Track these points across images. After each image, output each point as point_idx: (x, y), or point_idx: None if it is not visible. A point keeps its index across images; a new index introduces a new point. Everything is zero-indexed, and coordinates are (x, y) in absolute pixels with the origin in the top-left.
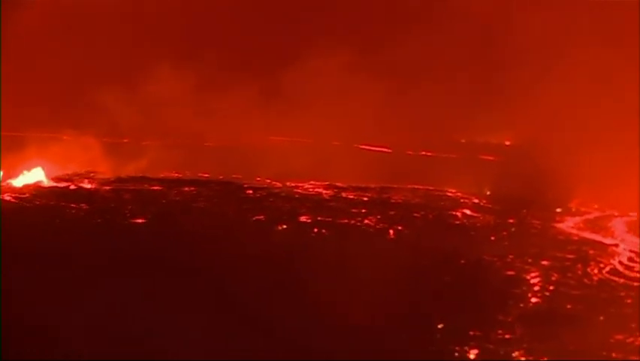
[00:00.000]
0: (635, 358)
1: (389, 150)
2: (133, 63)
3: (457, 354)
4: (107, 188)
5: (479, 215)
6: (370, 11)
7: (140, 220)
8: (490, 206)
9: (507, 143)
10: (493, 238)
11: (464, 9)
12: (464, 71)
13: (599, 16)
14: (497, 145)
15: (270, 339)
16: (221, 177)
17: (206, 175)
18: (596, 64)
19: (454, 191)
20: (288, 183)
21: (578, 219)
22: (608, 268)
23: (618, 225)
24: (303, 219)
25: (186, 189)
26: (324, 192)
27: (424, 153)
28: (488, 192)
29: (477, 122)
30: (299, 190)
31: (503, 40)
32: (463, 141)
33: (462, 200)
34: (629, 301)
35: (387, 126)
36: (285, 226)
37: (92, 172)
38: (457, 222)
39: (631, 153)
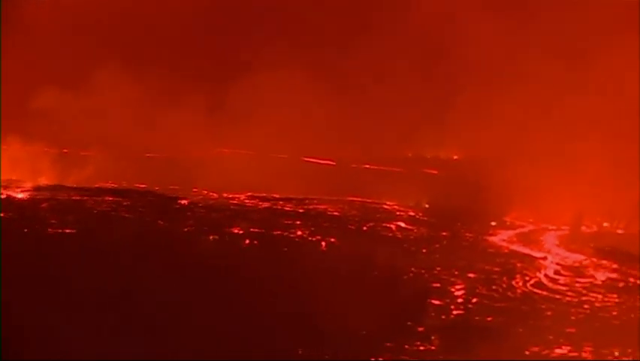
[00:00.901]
0: None
1: (333, 163)
2: (78, 73)
3: None
4: (39, 197)
5: (414, 228)
6: (317, 24)
7: (67, 230)
8: (425, 219)
9: (455, 157)
10: (424, 251)
11: (414, 22)
12: (414, 84)
13: (549, 29)
14: (444, 160)
15: (196, 346)
16: (157, 189)
17: (143, 186)
18: (545, 78)
19: (391, 204)
20: (224, 195)
21: (511, 232)
22: (532, 281)
23: (549, 238)
24: (234, 230)
25: (118, 199)
26: (261, 203)
27: (367, 166)
28: (426, 205)
29: (427, 137)
30: (234, 202)
31: (454, 54)
32: (410, 155)
33: (398, 213)
34: (549, 313)
35: (333, 139)
36: (215, 237)
37: (23, 181)
38: (390, 234)
39: (571, 169)
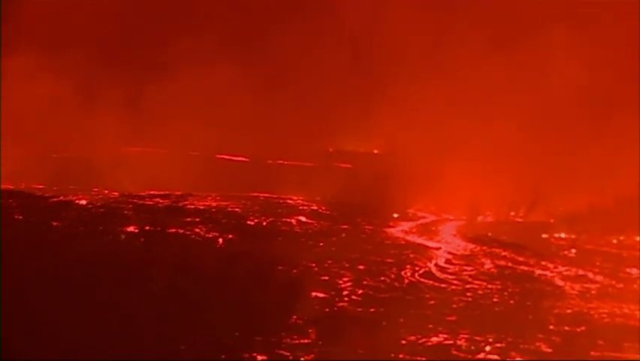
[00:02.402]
0: (422, 358)
1: (246, 160)
2: None
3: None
4: None
5: (314, 222)
6: (237, 20)
7: None
8: (328, 213)
9: (375, 151)
10: (321, 244)
11: (339, 16)
12: (339, 79)
13: (472, 23)
14: (363, 153)
15: (84, 343)
16: (55, 189)
17: (41, 186)
18: (471, 75)
19: (296, 199)
20: (126, 194)
21: (411, 224)
22: (422, 271)
23: (447, 228)
24: (130, 229)
25: (10, 201)
26: (162, 201)
27: (282, 162)
28: (331, 200)
29: (348, 131)
30: (135, 200)
31: (379, 49)
32: (331, 149)
33: (301, 207)
34: (432, 302)
35: (250, 136)
36: (110, 237)
37: None
38: (290, 229)
39: (477, 161)
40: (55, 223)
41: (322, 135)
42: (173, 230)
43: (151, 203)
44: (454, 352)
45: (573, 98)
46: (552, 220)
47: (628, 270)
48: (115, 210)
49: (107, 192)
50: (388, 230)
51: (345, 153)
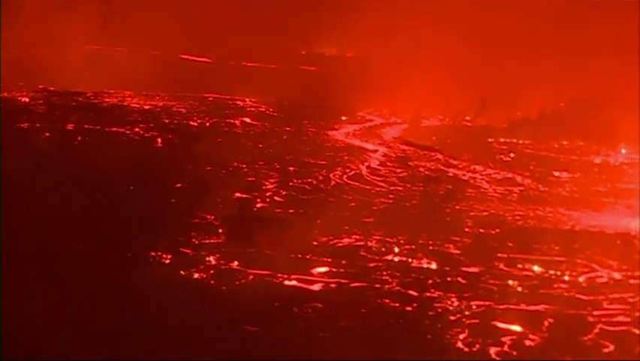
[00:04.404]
0: (329, 259)
1: (209, 61)
2: None
3: (151, 260)
4: None
5: (258, 123)
6: None
7: None
8: (275, 114)
9: (349, 55)
10: (260, 146)
11: None
12: None
13: None
14: (332, 57)
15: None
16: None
17: None
18: None
19: (246, 100)
20: (71, 91)
21: (357, 127)
22: (352, 173)
23: (391, 132)
24: (68, 127)
25: None
26: (107, 99)
27: (245, 63)
28: (284, 102)
29: (323, 35)
30: (79, 98)
31: None
32: (304, 52)
33: (249, 109)
34: (353, 204)
35: (214, 37)
36: (47, 134)
37: None
38: (231, 130)
39: (439, 67)
40: None
41: (296, 38)
42: (114, 129)
43: (95, 101)
44: (363, 253)
45: (528, 9)
46: (502, 125)
47: (557, 173)
48: (56, 107)
49: (52, 89)
50: (331, 132)
51: (315, 56)
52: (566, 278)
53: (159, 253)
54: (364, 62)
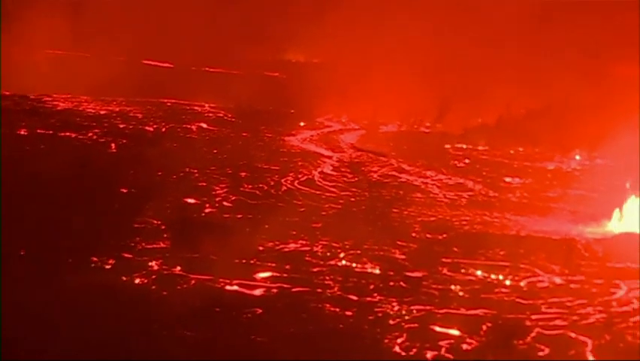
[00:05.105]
0: (273, 264)
1: (171, 66)
2: None
3: (93, 265)
4: None
5: (215, 128)
6: None
7: None
8: (233, 120)
9: (315, 61)
10: (215, 151)
11: None
12: None
13: None
14: (298, 63)
15: None
16: None
17: None
18: None
19: (205, 105)
20: (30, 96)
21: (314, 132)
22: (304, 178)
23: (348, 138)
24: (21, 132)
25: None
26: (61, 104)
27: (207, 69)
28: (244, 107)
29: (292, 41)
30: (33, 102)
31: None
32: (270, 58)
33: (207, 114)
34: (302, 210)
35: (177, 42)
36: None
37: None
38: (187, 135)
39: (401, 74)
40: None
41: (263, 45)
42: (67, 134)
43: (50, 106)
44: (308, 258)
45: (488, 19)
46: (459, 132)
47: (509, 179)
48: (8, 112)
49: (7, 93)
50: (288, 138)
51: (281, 63)
52: (508, 283)
53: (102, 258)
54: (330, 68)
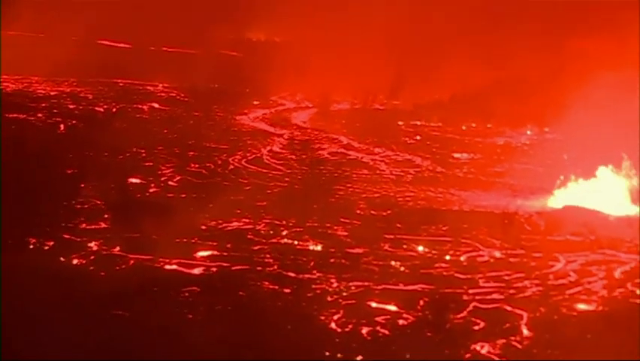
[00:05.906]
0: (215, 242)
1: (129, 46)
2: None
3: (32, 246)
4: None
5: (167, 108)
6: None
7: None
8: (185, 99)
9: (277, 40)
10: (165, 131)
11: None
12: None
13: None
14: (263, 42)
15: None
16: None
17: None
18: None
19: (157, 85)
20: None
21: (267, 111)
22: (252, 157)
23: (301, 116)
24: None
25: None
26: (12, 86)
27: (165, 48)
28: (198, 87)
29: (255, 21)
30: None
31: None
32: (231, 37)
33: (160, 94)
34: (247, 188)
35: (135, 22)
36: None
37: None
38: (138, 115)
39: (357, 52)
40: None
41: (224, 23)
42: (14, 115)
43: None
44: (250, 236)
45: None
46: (412, 108)
47: (457, 155)
48: None
49: None
50: (239, 117)
51: (241, 42)
52: (448, 258)
53: (40, 240)
54: (289, 47)
